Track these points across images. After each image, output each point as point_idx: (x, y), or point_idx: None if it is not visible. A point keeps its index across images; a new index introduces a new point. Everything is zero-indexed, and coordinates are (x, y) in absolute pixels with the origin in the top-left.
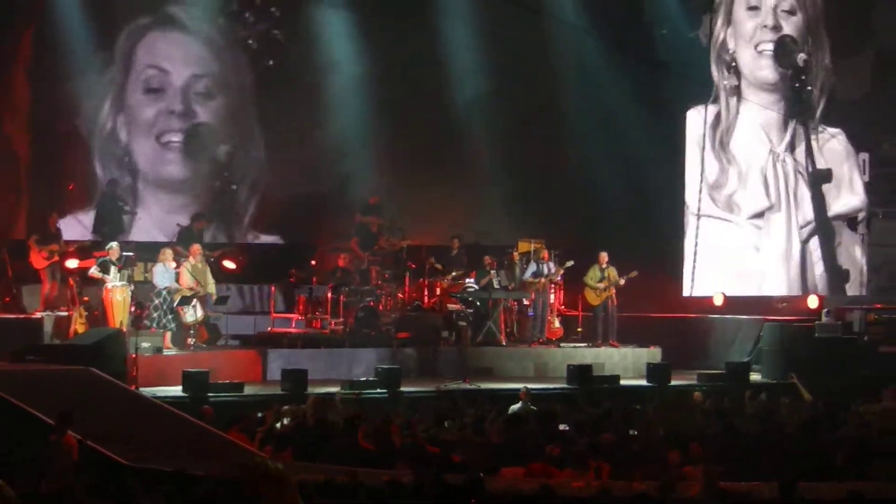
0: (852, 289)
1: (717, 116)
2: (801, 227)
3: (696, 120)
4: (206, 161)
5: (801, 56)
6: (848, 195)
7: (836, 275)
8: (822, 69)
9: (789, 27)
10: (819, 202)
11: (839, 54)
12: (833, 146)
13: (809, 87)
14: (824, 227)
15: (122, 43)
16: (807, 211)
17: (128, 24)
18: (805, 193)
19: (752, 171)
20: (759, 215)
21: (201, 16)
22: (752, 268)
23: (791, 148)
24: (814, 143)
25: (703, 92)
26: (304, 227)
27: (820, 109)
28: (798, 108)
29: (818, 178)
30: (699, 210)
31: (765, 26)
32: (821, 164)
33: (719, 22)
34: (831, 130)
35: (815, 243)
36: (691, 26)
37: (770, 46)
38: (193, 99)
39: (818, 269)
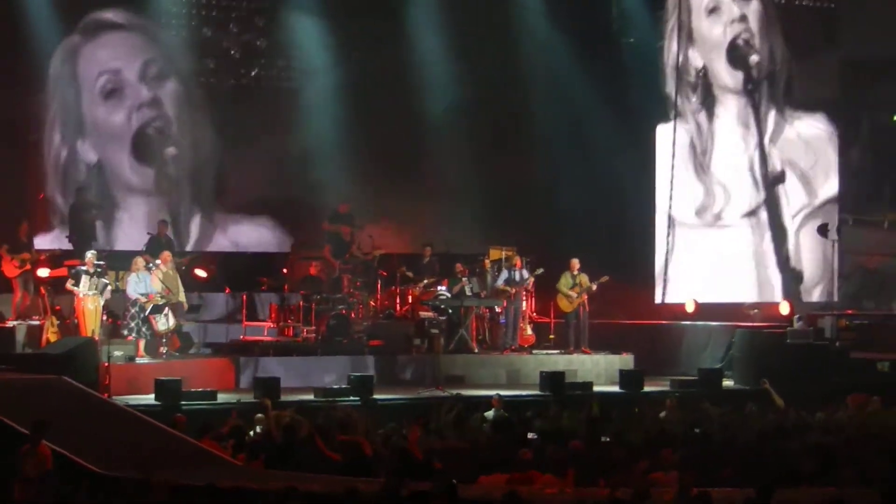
0: (812, 293)
1: (692, 141)
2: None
3: (666, 135)
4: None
5: (755, 57)
6: (834, 178)
7: (792, 277)
8: (783, 62)
9: (752, 14)
10: (773, 204)
11: (800, 52)
12: (813, 132)
13: (760, 89)
14: (778, 229)
15: (61, 67)
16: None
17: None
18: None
19: (733, 182)
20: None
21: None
22: (723, 274)
23: (760, 149)
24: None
25: (671, 108)
26: (274, 235)
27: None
28: (760, 108)
29: (773, 181)
30: (670, 217)
31: (732, 20)
32: (800, 155)
33: (674, 46)
34: (810, 117)
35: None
36: (658, 36)
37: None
38: (151, 85)
39: (773, 272)
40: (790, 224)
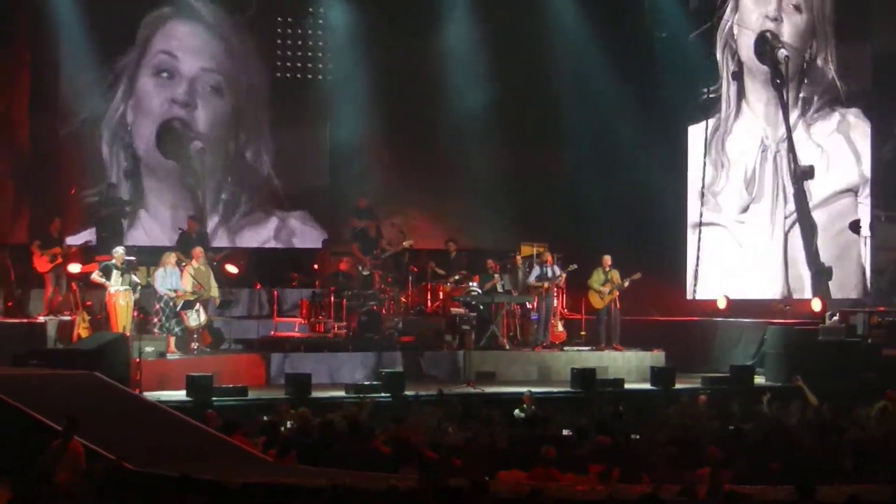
0: (840, 288)
1: (717, 120)
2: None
3: (698, 135)
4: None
5: (783, 52)
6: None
7: (820, 273)
8: (822, 66)
9: (791, 22)
10: (801, 199)
11: (843, 54)
12: (843, 126)
13: (789, 84)
14: (806, 223)
15: (142, 30)
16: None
17: (148, 13)
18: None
19: (748, 170)
20: (757, 214)
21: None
22: (755, 269)
23: (789, 142)
24: (799, 137)
25: (704, 107)
26: (304, 230)
27: (815, 106)
28: (788, 102)
29: (801, 176)
30: (701, 214)
31: (766, 17)
32: (829, 149)
33: (728, 7)
34: (840, 111)
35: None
36: (690, 30)
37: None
38: (199, 91)
39: (803, 267)
40: (818, 218)
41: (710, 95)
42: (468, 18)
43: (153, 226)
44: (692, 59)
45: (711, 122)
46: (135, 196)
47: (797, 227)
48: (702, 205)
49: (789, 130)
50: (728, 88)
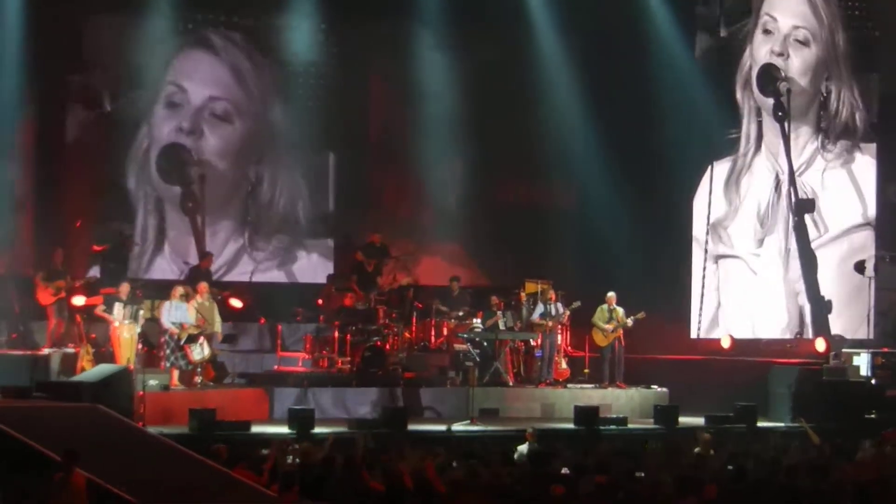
0: (848, 327)
1: (735, 159)
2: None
3: (719, 173)
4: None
5: (784, 85)
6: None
7: (820, 308)
8: (836, 101)
9: (799, 57)
10: (801, 232)
11: (854, 91)
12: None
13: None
14: (806, 256)
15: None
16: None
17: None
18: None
19: (762, 204)
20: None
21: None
22: (768, 304)
23: (790, 176)
24: (814, 172)
25: (725, 146)
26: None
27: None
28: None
29: (800, 208)
30: (706, 253)
31: (772, 52)
32: (831, 185)
33: (747, 50)
34: (846, 146)
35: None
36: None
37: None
38: (205, 118)
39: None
40: (829, 254)
41: (731, 135)
42: (463, 49)
43: (177, 258)
44: (701, 101)
45: (728, 161)
46: (156, 229)
47: (798, 262)
48: (706, 242)
49: (790, 163)
50: (748, 126)
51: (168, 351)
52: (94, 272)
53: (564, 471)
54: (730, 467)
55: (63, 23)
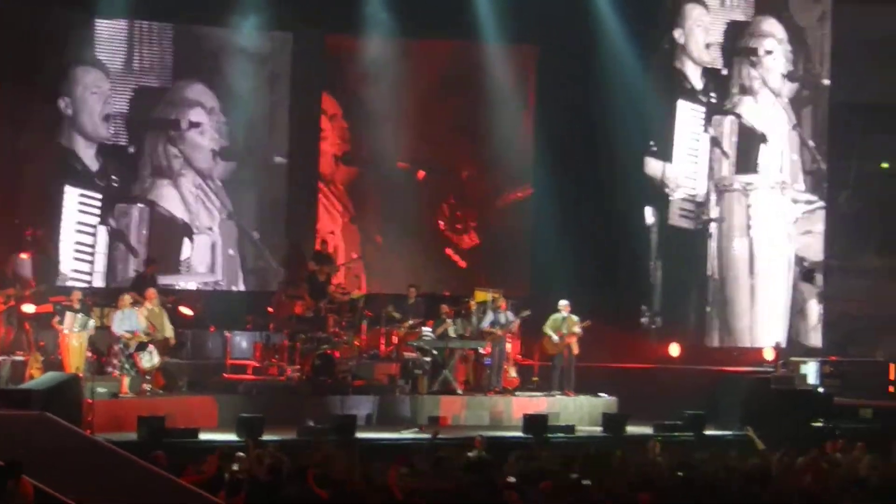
0: (807, 339)
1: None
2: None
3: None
4: None
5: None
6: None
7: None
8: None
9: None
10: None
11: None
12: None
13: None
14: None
15: None
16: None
17: None
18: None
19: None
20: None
21: None
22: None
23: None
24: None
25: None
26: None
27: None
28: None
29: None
30: (657, 260)
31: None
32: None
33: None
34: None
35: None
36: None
37: None
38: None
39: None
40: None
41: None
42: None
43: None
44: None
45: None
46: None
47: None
48: (657, 247)
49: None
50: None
51: (118, 359)
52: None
53: (511, 479)
54: (679, 474)
55: None
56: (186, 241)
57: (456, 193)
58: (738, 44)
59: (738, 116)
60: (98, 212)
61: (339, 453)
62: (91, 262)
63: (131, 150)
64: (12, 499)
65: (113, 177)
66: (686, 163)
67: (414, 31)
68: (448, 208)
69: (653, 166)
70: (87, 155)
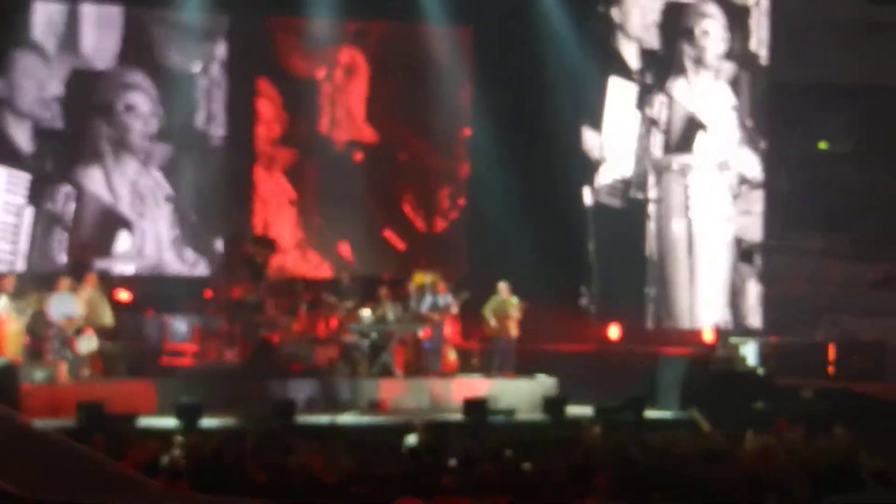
0: (746, 320)
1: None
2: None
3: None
4: None
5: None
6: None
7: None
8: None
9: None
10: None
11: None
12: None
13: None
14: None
15: None
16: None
17: None
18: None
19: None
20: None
21: None
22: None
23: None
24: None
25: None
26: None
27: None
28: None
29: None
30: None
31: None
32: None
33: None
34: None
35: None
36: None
37: None
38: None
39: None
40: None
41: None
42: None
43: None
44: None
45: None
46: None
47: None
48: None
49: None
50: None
51: (56, 344)
52: None
53: (452, 461)
54: (619, 457)
55: None
56: (122, 225)
57: (397, 175)
58: (675, 24)
59: (675, 97)
60: (26, 192)
61: (277, 438)
62: (15, 244)
63: (68, 132)
64: None
65: (46, 159)
66: (616, 140)
67: (353, 12)
68: (412, 192)
69: (590, 141)
70: (21, 136)
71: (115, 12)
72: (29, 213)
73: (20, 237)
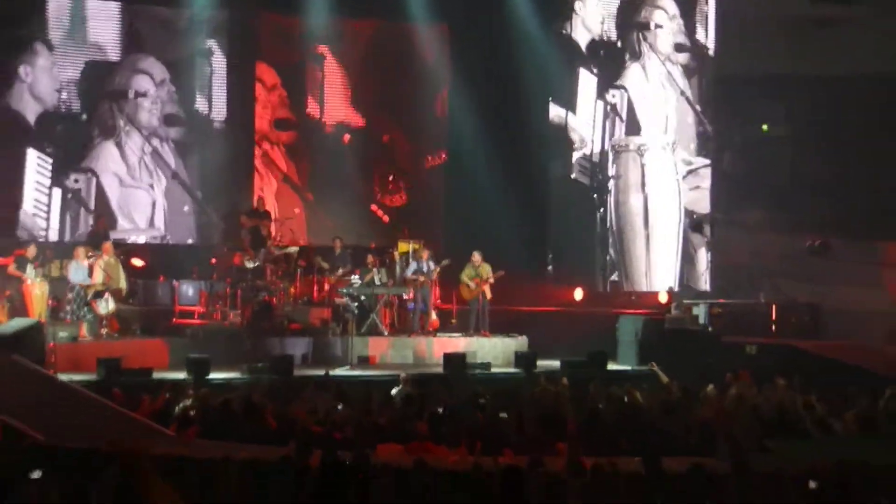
0: (696, 284)
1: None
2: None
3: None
4: None
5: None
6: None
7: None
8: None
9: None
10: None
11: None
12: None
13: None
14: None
15: None
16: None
17: None
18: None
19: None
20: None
21: None
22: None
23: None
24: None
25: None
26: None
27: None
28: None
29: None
30: (562, 212)
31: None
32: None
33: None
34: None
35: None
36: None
37: None
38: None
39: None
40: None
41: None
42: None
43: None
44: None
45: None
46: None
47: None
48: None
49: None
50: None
51: (75, 306)
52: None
53: (439, 409)
54: (586, 407)
55: None
56: (136, 199)
57: (381, 157)
58: (631, 17)
59: (632, 85)
60: (50, 174)
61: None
62: (47, 219)
63: (83, 117)
64: None
65: (65, 142)
66: (585, 124)
67: (345, 12)
68: (380, 172)
69: (559, 124)
70: (42, 121)
71: (126, 7)
72: (56, 192)
73: (50, 213)
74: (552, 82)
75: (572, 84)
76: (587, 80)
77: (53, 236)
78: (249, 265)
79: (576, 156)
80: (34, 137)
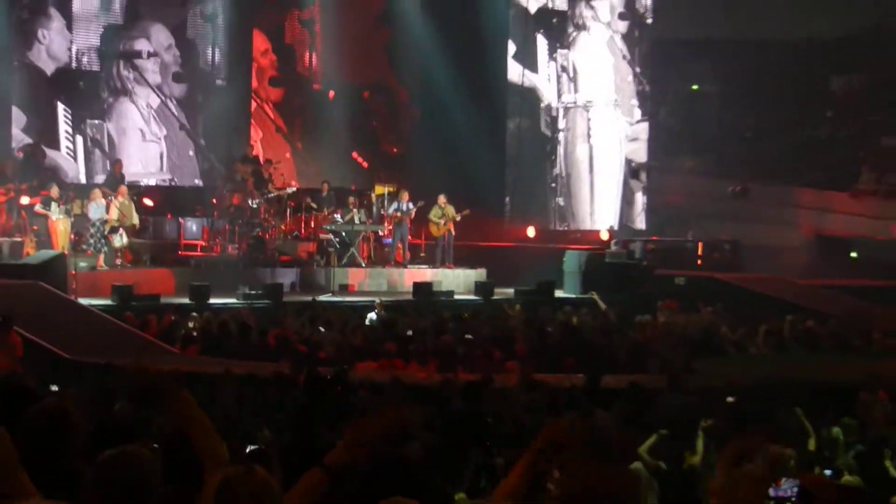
0: (633, 223)
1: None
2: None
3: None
4: None
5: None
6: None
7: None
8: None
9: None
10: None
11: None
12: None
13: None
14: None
15: None
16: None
17: None
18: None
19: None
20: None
21: None
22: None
23: None
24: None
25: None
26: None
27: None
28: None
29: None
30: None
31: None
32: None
33: None
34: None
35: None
36: None
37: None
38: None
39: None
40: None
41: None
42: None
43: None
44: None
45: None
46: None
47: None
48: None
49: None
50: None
51: (94, 239)
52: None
53: (409, 332)
54: (535, 329)
55: None
56: (147, 148)
57: (362, 110)
58: None
59: (578, 48)
60: (71, 123)
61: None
62: (76, 163)
63: (101, 75)
64: (2, 348)
65: (84, 97)
66: (546, 84)
67: None
68: (360, 124)
69: (518, 73)
70: (59, 77)
71: None
72: (79, 139)
73: (77, 158)
74: (516, 44)
75: (531, 46)
76: (543, 44)
77: (82, 178)
78: (253, 205)
79: (536, 110)
80: (57, 91)
